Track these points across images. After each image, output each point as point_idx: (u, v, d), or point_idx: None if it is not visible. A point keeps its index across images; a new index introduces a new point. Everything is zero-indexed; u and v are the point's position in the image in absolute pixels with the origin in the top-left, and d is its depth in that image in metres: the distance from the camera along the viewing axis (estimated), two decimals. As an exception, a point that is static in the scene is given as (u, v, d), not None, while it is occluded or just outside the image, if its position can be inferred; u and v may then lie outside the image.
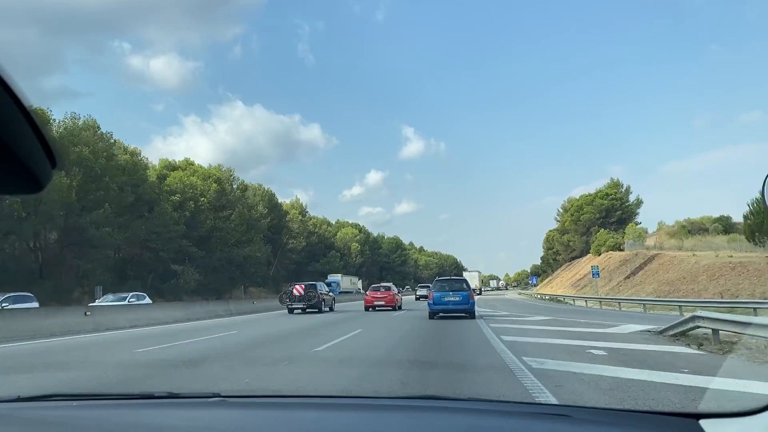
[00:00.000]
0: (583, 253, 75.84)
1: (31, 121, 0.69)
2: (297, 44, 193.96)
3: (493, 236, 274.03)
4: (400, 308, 27.00)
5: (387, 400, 2.08)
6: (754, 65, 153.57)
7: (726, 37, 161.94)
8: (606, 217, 72.04)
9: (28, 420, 1.61)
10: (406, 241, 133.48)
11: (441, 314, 18.20)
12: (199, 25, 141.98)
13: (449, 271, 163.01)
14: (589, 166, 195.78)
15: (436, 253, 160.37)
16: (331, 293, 27.88)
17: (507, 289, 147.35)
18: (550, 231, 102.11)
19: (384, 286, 29.27)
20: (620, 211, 72.17)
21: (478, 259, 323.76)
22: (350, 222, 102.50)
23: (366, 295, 28.25)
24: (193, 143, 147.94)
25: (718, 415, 1.32)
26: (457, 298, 18.10)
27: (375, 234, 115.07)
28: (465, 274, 78.58)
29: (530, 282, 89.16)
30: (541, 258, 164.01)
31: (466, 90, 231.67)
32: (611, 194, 73.12)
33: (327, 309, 25.53)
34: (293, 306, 24.12)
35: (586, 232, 74.44)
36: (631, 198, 74.04)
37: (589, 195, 75.57)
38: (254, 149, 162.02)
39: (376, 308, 25.97)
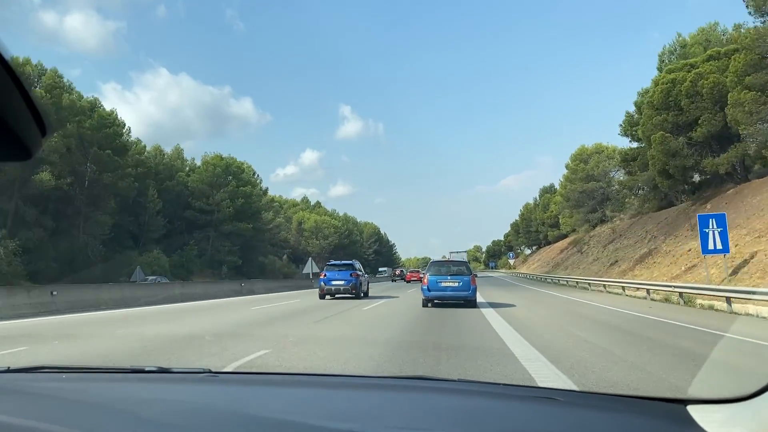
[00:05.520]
0: None
1: (21, 88, 0.66)
2: (225, 9, 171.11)
3: (427, 222, 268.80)
4: None
5: (376, 379, 2.14)
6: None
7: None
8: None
9: (18, 391, 1.58)
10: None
11: (437, 302, 15.69)
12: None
13: (367, 246, 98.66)
14: (518, 156, 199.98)
15: (341, 216, 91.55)
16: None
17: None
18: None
19: (418, 270, 51.99)
20: None
21: (411, 244, 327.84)
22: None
23: (407, 273, 55.17)
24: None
25: (706, 401, 1.29)
26: (456, 284, 15.37)
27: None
28: (453, 256, 56.30)
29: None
30: (515, 226, 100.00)
31: (406, 70, 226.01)
32: None
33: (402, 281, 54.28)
34: (395, 278, 59.31)
35: None
36: None
37: None
38: (181, 122, 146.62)
39: (412, 281, 46.57)
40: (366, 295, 21.80)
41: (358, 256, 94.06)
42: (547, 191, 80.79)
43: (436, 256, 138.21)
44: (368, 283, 23.25)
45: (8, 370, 1.80)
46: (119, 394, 1.57)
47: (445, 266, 16.30)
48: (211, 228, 49.98)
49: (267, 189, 60.65)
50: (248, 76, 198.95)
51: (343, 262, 22.35)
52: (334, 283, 20.31)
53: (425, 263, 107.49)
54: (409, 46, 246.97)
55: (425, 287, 15.47)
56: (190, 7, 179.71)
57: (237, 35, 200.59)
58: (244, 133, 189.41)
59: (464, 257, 62.14)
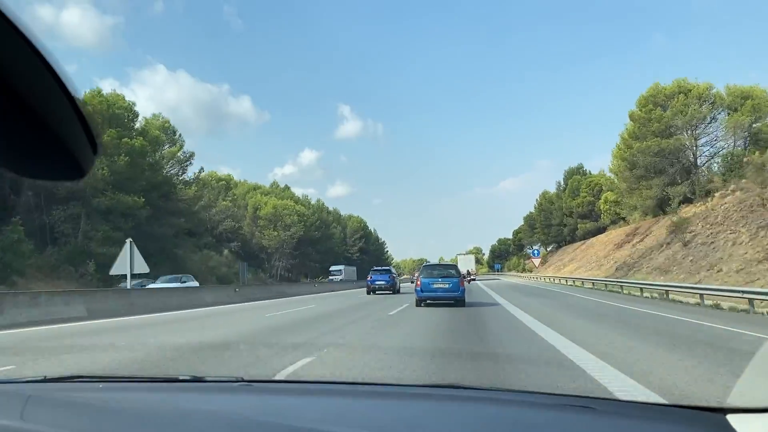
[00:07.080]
0: None
1: (76, 108, 0.68)
2: (223, 6, 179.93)
3: (425, 223, 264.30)
4: None
5: (410, 388, 2.10)
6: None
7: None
8: None
9: (55, 400, 1.59)
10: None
11: (429, 301, 16.57)
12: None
13: (351, 243, 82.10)
14: (517, 159, 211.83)
15: (313, 204, 73.29)
16: None
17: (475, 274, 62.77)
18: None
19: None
20: None
21: (408, 245, 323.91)
22: None
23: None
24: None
25: (746, 410, 1.25)
26: (447, 285, 16.36)
27: None
28: (460, 258, 60.35)
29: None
30: (528, 220, 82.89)
31: (406, 71, 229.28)
32: None
33: None
34: (414, 280, 52.82)
35: None
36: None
37: None
38: (179, 120, 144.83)
39: None
40: (399, 292, 28.65)
41: (336, 254, 75.98)
42: (575, 172, 63.00)
43: (433, 258, 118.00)
44: (400, 282, 32.25)
45: (44, 380, 1.80)
46: (155, 403, 1.58)
47: (436, 269, 17.31)
48: (77, 202, 31.86)
49: (192, 154, 42.58)
50: (247, 75, 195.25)
51: (383, 267, 33.47)
52: (377, 283, 28.26)
53: (422, 264, 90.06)
54: (409, 47, 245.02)
55: (418, 289, 16.45)
56: (188, 4, 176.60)
57: (236, 33, 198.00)
58: (242, 132, 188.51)
59: (472, 260, 65.64)
